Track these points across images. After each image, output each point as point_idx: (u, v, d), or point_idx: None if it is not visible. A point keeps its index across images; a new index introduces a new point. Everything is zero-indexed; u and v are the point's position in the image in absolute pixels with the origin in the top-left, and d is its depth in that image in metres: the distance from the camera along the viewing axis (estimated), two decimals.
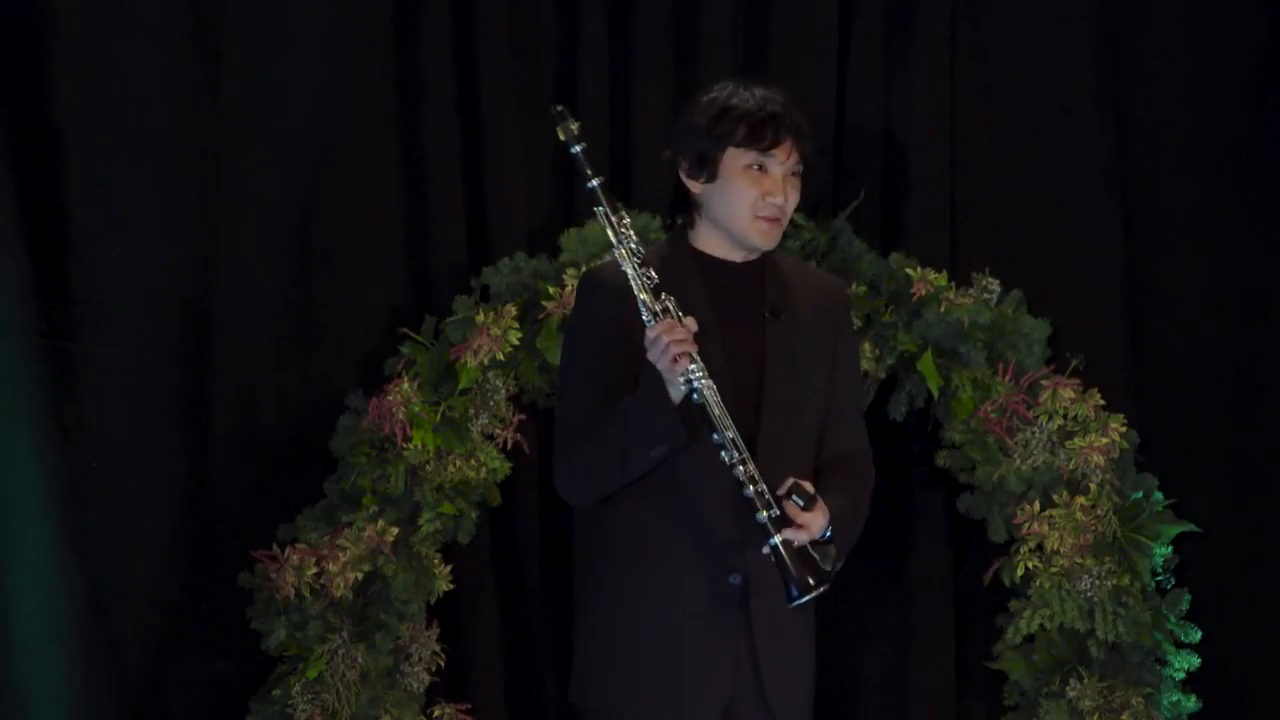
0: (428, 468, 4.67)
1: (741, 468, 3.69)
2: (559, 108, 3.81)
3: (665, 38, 4.86)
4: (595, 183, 3.75)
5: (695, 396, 3.68)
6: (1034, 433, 4.60)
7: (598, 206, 3.76)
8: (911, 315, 4.66)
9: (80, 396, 4.70)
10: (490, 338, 4.66)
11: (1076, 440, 4.58)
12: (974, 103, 4.83)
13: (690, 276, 3.85)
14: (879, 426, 4.74)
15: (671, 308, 3.69)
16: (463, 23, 4.84)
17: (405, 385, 4.67)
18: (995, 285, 4.71)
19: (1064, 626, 4.57)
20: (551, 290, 4.67)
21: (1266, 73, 4.73)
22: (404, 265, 4.87)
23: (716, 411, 3.68)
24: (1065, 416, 4.60)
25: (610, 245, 3.77)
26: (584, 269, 4.59)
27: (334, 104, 4.82)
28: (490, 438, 4.72)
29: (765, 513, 3.67)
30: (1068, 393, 4.61)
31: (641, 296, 3.71)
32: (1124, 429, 4.60)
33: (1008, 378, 4.63)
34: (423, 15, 4.84)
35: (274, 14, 4.78)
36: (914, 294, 4.67)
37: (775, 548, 3.67)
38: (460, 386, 4.68)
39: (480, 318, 4.69)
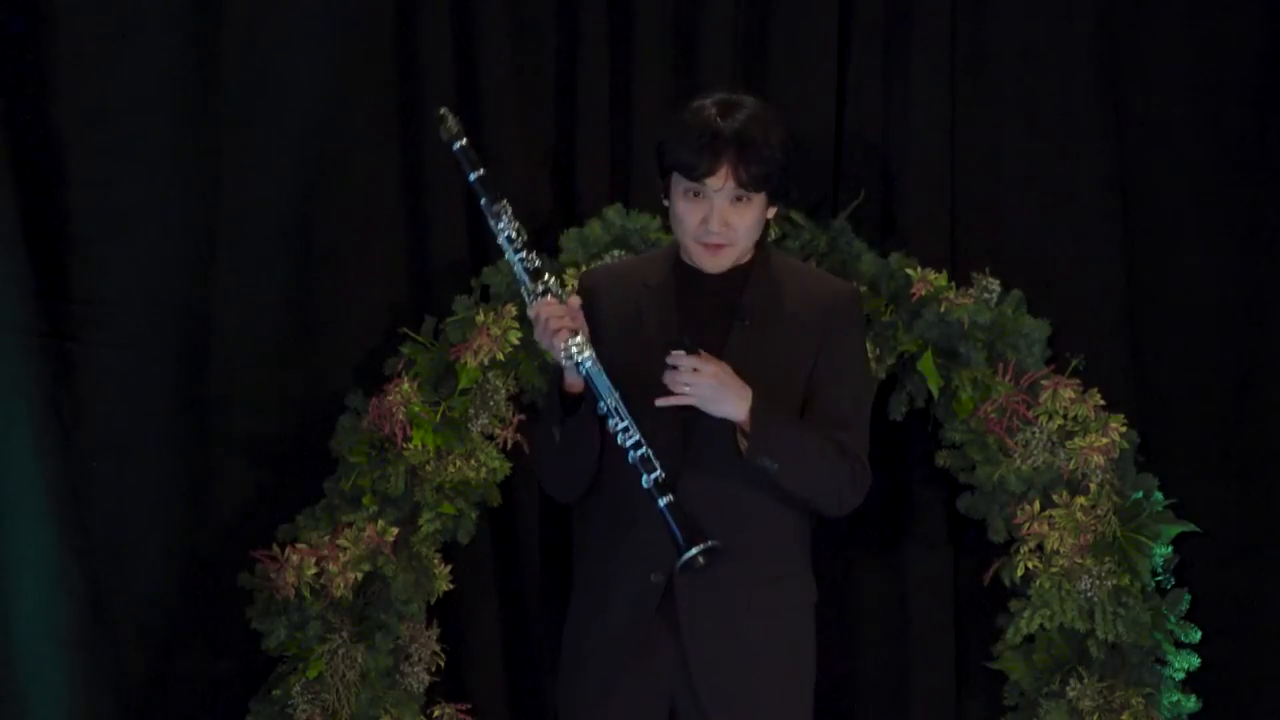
0: (428, 468, 4.66)
1: (623, 434, 3.76)
2: (441, 111, 3.96)
3: (665, 38, 4.86)
4: (474, 176, 3.92)
5: (579, 370, 3.79)
6: (1034, 433, 4.60)
7: (480, 200, 3.93)
8: (911, 315, 4.66)
9: (80, 396, 4.70)
10: (490, 338, 4.66)
11: (1076, 440, 4.58)
12: (974, 103, 4.83)
13: (663, 281, 3.92)
14: (879, 426, 4.74)
15: (552, 287, 3.82)
16: (463, 23, 4.84)
17: (405, 385, 4.67)
18: (995, 285, 4.71)
19: (1064, 626, 4.57)
20: None
21: (1266, 74, 4.73)
22: (404, 265, 4.87)
23: (597, 383, 3.77)
24: (1065, 416, 4.60)
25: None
26: (584, 269, 4.59)
27: (334, 104, 4.81)
28: (490, 438, 4.72)
29: (650, 475, 3.75)
30: (1068, 393, 4.60)
31: (523, 280, 3.86)
32: (1124, 429, 4.60)
33: (1008, 378, 4.63)
34: (423, 15, 4.83)
35: (274, 14, 4.77)
36: (914, 294, 4.66)
37: (663, 510, 3.74)
38: (460, 386, 4.68)
39: (480, 318, 4.69)
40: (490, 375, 4.69)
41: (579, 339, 3.80)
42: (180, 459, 4.77)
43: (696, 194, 3.86)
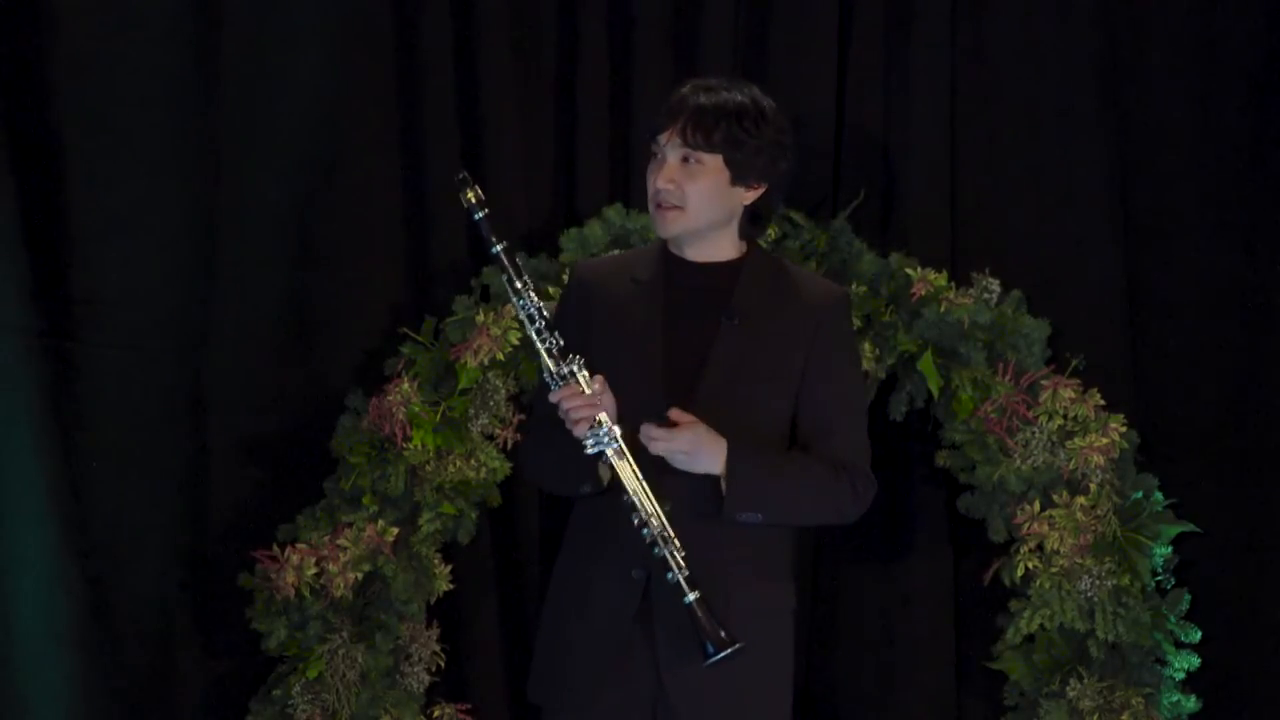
0: (428, 468, 4.67)
1: (648, 529, 3.73)
2: (462, 174, 3.86)
3: (665, 38, 4.86)
4: (499, 248, 3.82)
5: (602, 458, 3.77)
6: (1034, 433, 4.60)
7: (502, 274, 3.83)
8: (911, 315, 4.66)
9: (80, 396, 4.70)
10: (490, 338, 4.66)
11: (1076, 440, 4.58)
12: (974, 103, 4.83)
13: (652, 276, 3.90)
14: (879, 426, 4.74)
15: (576, 370, 3.77)
16: (463, 23, 4.84)
17: (405, 385, 4.67)
18: (995, 285, 4.71)
19: (1064, 626, 4.57)
20: (551, 290, 4.67)
21: (1266, 73, 4.73)
22: (404, 265, 4.87)
23: (620, 474, 3.75)
24: (1065, 416, 4.60)
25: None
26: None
27: (334, 104, 4.82)
28: (490, 438, 4.72)
29: (675, 573, 3.71)
30: (1068, 393, 4.60)
31: (545, 360, 3.79)
32: (1124, 429, 4.60)
33: (1008, 378, 4.63)
34: (423, 15, 4.84)
35: (274, 14, 4.78)
36: (914, 294, 4.67)
37: (690, 606, 3.70)
38: (460, 386, 4.69)
39: (480, 318, 4.69)
40: (490, 375, 4.70)
41: (602, 428, 3.76)
42: (180, 459, 4.77)
43: (655, 155, 3.87)
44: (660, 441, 3.75)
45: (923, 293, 4.66)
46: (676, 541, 3.73)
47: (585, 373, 3.78)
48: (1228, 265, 4.76)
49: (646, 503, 3.74)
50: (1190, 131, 4.78)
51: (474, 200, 3.83)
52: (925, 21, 4.82)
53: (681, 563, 3.72)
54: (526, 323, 3.81)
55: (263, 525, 4.71)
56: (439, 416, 4.67)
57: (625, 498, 3.75)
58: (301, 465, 4.77)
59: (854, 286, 4.66)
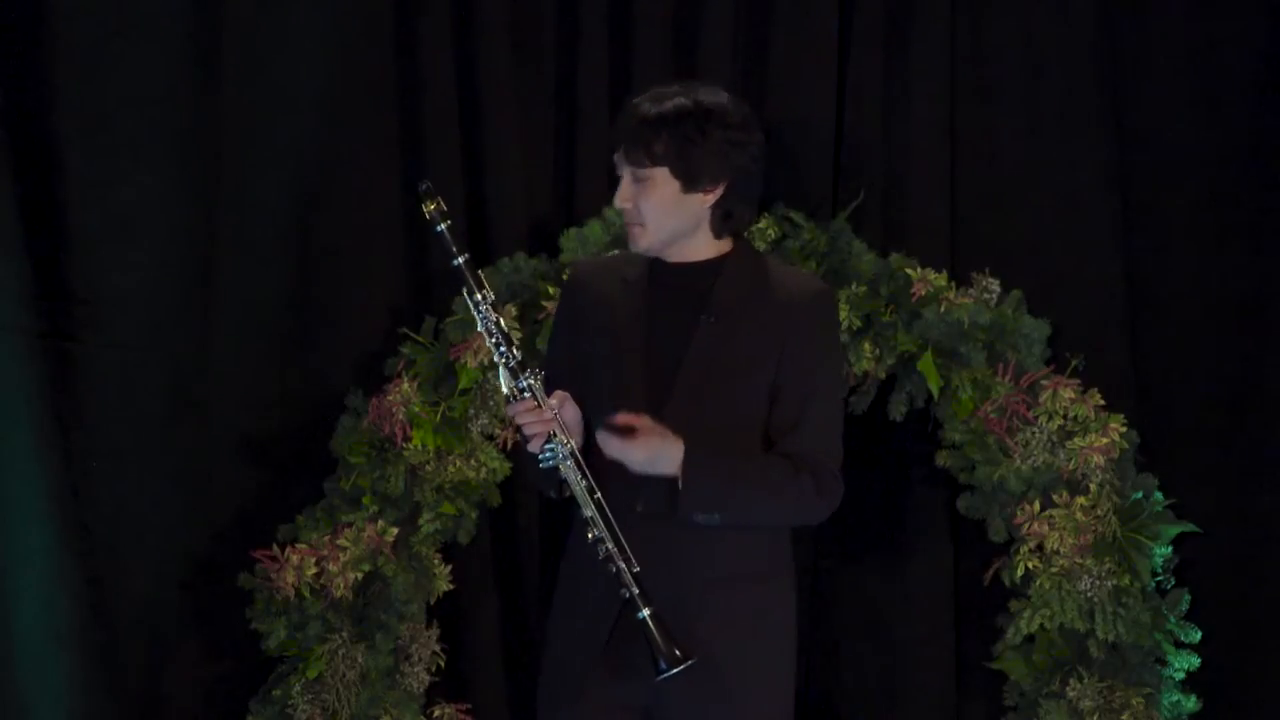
0: (428, 468, 4.67)
1: (598, 544, 3.74)
2: (425, 185, 3.88)
3: (665, 38, 4.86)
4: (460, 261, 3.83)
5: (558, 473, 3.78)
6: (1034, 433, 4.60)
7: (464, 287, 3.85)
8: (911, 315, 4.66)
9: (80, 396, 4.71)
10: None
11: (1076, 440, 4.58)
12: (974, 103, 4.83)
13: (639, 276, 3.91)
14: (879, 426, 4.74)
15: (533, 384, 3.78)
16: (463, 23, 4.84)
17: (405, 385, 4.67)
18: (995, 285, 4.71)
19: (1064, 626, 4.57)
20: (551, 290, 4.68)
21: (1266, 73, 4.73)
22: (404, 265, 4.87)
23: (575, 490, 3.76)
24: (1065, 416, 4.60)
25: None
26: None
27: (334, 104, 4.82)
28: (490, 438, 4.72)
29: (627, 590, 3.72)
30: (1068, 393, 4.60)
31: (503, 374, 3.80)
32: (1124, 429, 4.60)
33: (1008, 378, 4.63)
34: (423, 15, 4.84)
35: (274, 14, 4.78)
36: (914, 294, 4.67)
37: (643, 621, 3.70)
38: (460, 386, 4.69)
39: None
40: (490, 375, 4.70)
41: (557, 444, 3.77)
42: (180, 459, 4.77)
43: (617, 172, 3.90)
44: (615, 445, 3.75)
45: (923, 293, 4.66)
46: (631, 557, 3.73)
47: (542, 387, 3.80)
48: (1228, 265, 4.76)
49: (599, 520, 3.75)
50: (1190, 131, 4.78)
51: (436, 211, 3.84)
52: (925, 22, 4.82)
53: (633, 579, 3.72)
54: (485, 336, 3.83)
55: (263, 525, 4.71)
56: (439, 416, 4.67)
57: (580, 513, 3.77)
58: (301, 465, 4.77)
59: (854, 286, 4.67)
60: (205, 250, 4.78)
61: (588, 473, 3.76)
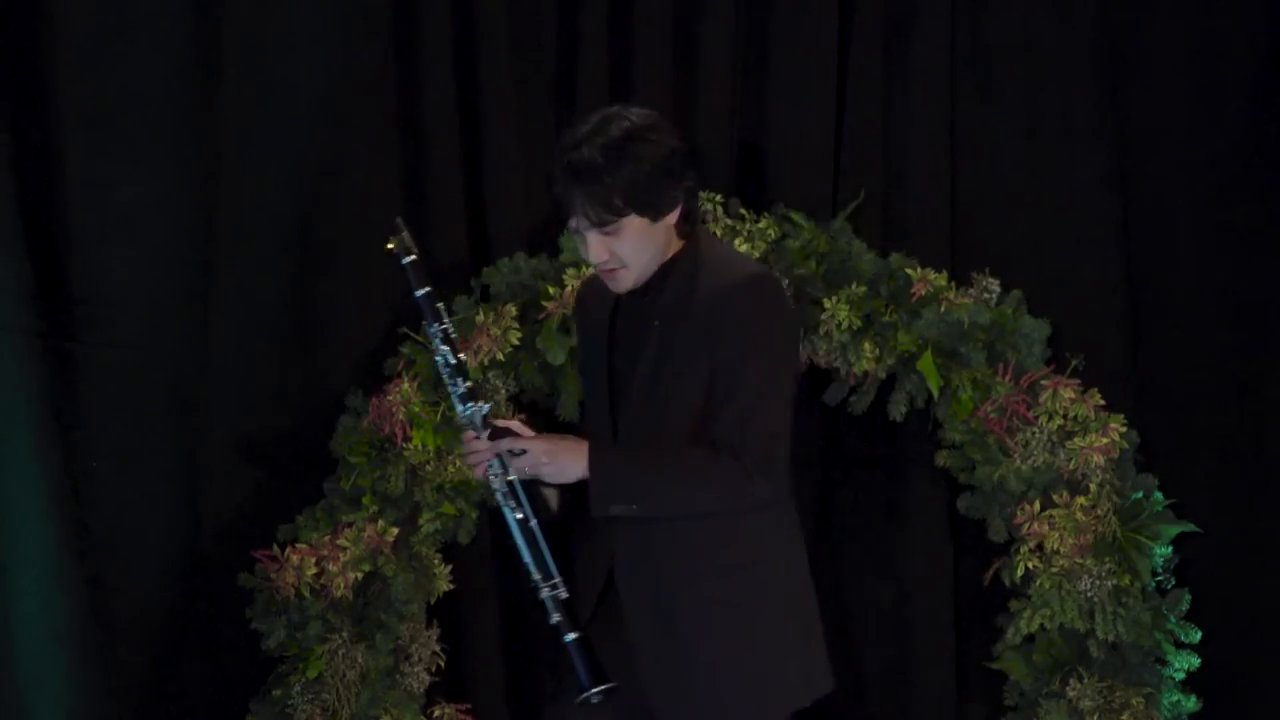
0: (428, 468, 4.67)
1: (530, 567, 3.84)
2: (396, 220, 3.93)
3: (665, 38, 4.86)
4: (421, 293, 3.90)
5: (499, 499, 3.88)
6: (1034, 433, 4.60)
7: (424, 320, 3.91)
8: (911, 315, 4.66)
9: (80, 396, 4.70)
10: (490, 338, 4.66)
11: (1076, 440, 4.58)
12: (974, 103, 4.83)
13: (605, 290, 3.93)
14: (879, 426, 4.75)
15: (476, 416, 3.87)
16: (463, 23, 4.84)
17: (405, 385, 4.67)
18: (995, 285, 4.71)
19: (1064, 626, 4.57)
20: (551, 290, 4.68)
21: (1266, 74, 4.73)
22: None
23: (507, 517, 3.86)
24: (1065, 416, 4.60)
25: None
26: (584, 270, 4.59)
27: (334, 104, 4.82)
28: None
29: (551, 615, 3.83)
30: (1068, 393, 4.61)
31: (455, 403, 3.90)
32: (1124, 429, 4.60)
33: (1008, 378, 4.63)
34: (423, 15, 4.84)
35: (274, 14, 4.78)
36: (914, 294, 4.67)
37: (568, 645, 3.80)
38: None
39: (480, 318, 4.69)
40: (490, 375, 4.70)
41: (497, 474, 3.85)
42: (180, 459, 4.77)
43: (575, 229, 3.88)
44: (518, 463, 3.83)
45: (923, 293, 4.66)
46: (560, 582, 3.82)
47: (486, 416, 3.88)
48: (1228, 265, 4.76)
49: (524, 549, 3.85)
50: (1190, 131, 4.78)
51: (401, 246, 3.90)
52: (925, 22, 4.82)
53: (559, 605, 3.81)
54: (443, 369, 3.90)
55: (263, 525, 4.71)
56: (439, 416, 4.67)
57: (509, 540, 3.87)
58: (301, 465, 4.77)
59: (854, 286, 4.67)
60: (205, 250, 4.78)
61: (523, 503, 3.84)
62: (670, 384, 3.84)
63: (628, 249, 3.83)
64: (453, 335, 3.92)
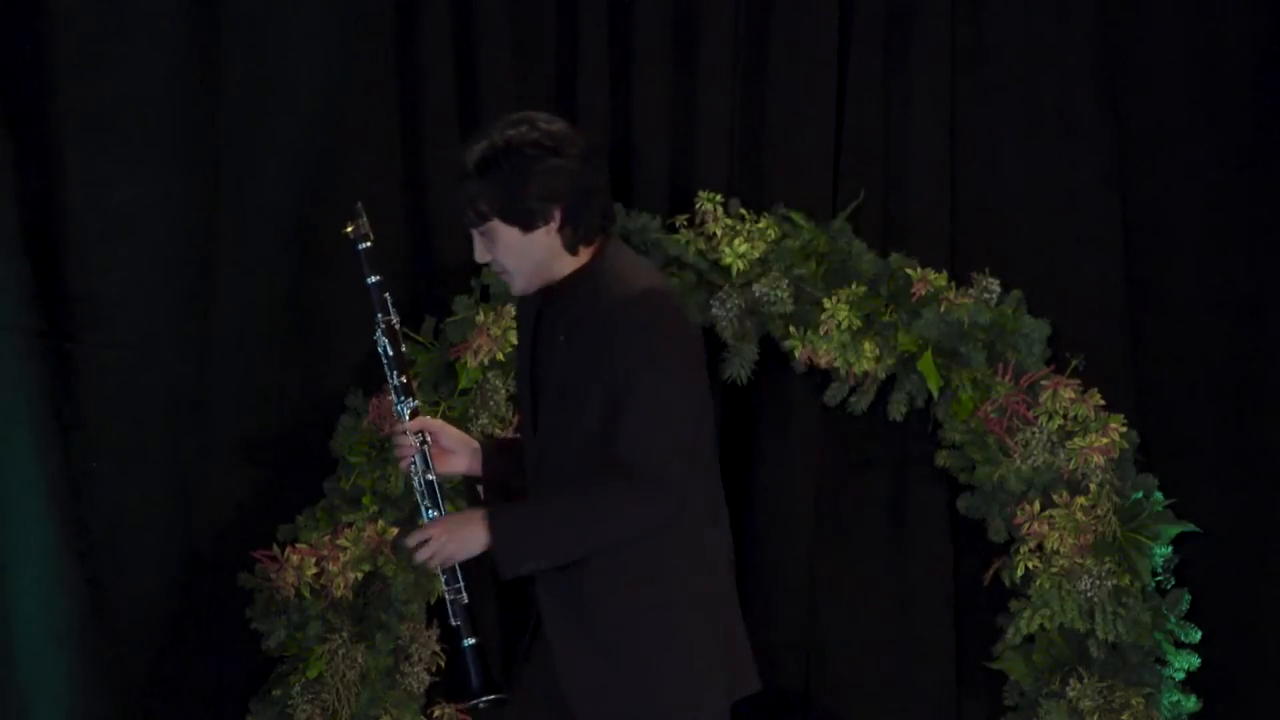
0: None
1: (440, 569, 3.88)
2: (357, 205, 3.96)
3: (665, 38, 4.86)
4: (373, 281, 3.93)
5: (418, 498, 3.94)
6: (1034, 433, 4.60)
7: (377, 312, 3.93)
8: (911, 315, 4.66)
9: (80, 396, 4.71)
10: (490, 338, 4.66)
11: (1076, 440, 4.58)
12: (974, 103, 4.83)
13: (531, 301, 3.91)
14: (879, 426, 4.74)
15: (404, 412, 3.92)
16: (463, 23, 4.84)
17: None
18: (995, 285, 4.71)
19: (1064, 626, 4.57)
20: None
21: (1266, 74, 4.73)
22: (404, 265, 4.87)
23: (426, 519, 3.91)
24: (1065, 416, 4.60)
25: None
26: None
27: (334, 104, 4.82)
28: (490, 438, 4.72)
29: (453, 618, 3.89)
30: (1068, 393, 4.60)
31: (393, 397, 3.94)
32: (1124, 429, 4.60)
33: (1008, 378, 4.63)
34: (423, 15, 4.84)
35: (274, 14, 4.78)
36: (914, 294, 4.66)
37: (465, 649, 3.86)
38: (460, 386, 4.68)
39: (480, 318, 4.69)
40: (490, 375, 4.69)
41: (416, 471, 3.90)
42: (179, 459, 4.77)
43: None
44: (421, 555, 3.85)
45: (923, 293, 4.66)
46: (463, 587, 3.87)
47: (411, 412, 3.91)
48: (1228, 265, 4.76)
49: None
50: (1190, 132, 4.78)
51: (359, 231, 3.93)
52: (925, 22, 4.82)
53: (460, 610, 3.87)
54: (384, 359, 3.92)
55: (263, 525, 4.71)
56: (439, 416, 4.66)
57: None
58: (301, 465, 4.77)
59: (854, 286, 4.66)
60: (205, 250, 4.78)
61: (440, 504, 3.89)
62: (573, 400, 3.79)
63: (502, 254, 3.82)
64: (396, 326, 3.92)
